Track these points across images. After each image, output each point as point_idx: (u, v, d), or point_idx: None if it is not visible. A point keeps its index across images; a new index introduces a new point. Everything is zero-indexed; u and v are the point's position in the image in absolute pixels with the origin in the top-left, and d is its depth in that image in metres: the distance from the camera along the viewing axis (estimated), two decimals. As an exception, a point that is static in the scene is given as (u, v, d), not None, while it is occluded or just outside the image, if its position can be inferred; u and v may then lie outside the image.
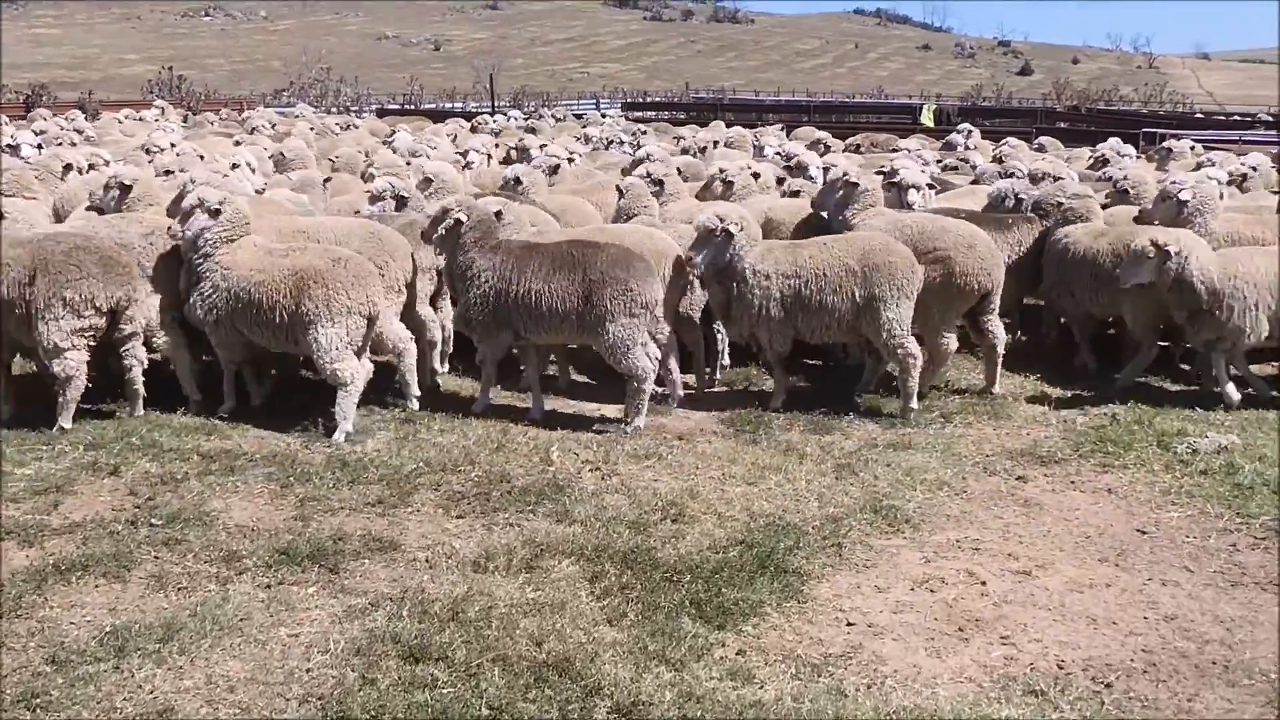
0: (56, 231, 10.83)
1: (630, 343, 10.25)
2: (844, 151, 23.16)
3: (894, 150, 22.19)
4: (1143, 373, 11.87)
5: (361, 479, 9.04)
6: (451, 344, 12.36)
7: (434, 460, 9.48)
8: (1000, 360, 11.75)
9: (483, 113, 38.70)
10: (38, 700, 5.88)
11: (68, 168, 14.62)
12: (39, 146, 17.80)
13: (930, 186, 13.50)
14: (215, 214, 10.21)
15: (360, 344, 10.25)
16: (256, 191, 13.36)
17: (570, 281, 10.25)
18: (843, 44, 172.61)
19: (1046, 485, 9.34)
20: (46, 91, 54.14)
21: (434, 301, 11.93)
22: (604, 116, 37.10)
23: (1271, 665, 6.50)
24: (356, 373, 10.08)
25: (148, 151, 17.74)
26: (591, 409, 11.11)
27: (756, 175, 14.72)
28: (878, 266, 10.65)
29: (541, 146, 20.08)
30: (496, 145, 22.16)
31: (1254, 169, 16.25)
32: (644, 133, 26.78)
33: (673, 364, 11.17)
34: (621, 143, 24.04)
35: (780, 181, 15.31)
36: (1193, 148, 20.15)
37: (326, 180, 15.42)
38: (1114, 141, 20.72)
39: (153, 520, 8.12)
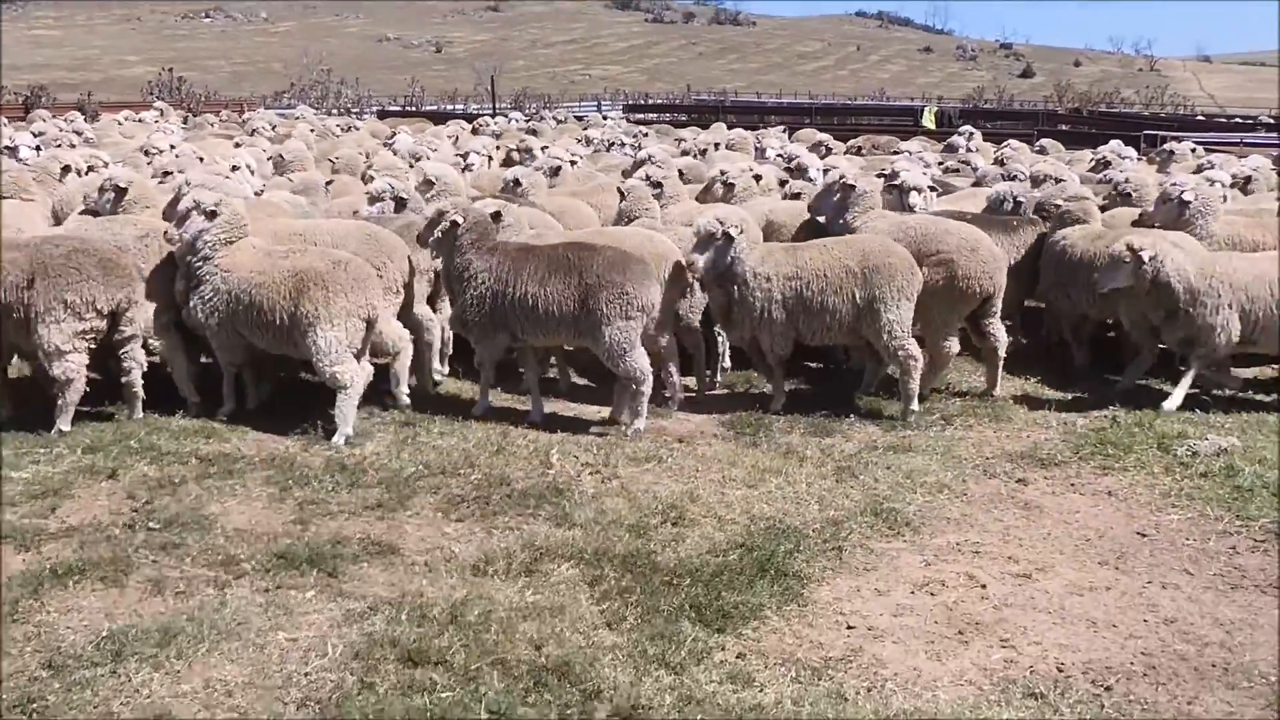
0: (54, 234, 10.79)
1: (627, 345, 10.23)
2: (845, 154, 23.17)
3: (895, 152, 22.15)
4: (1143, 375, 11.84)
5: (361, 482, 9.02)
6: (451, 345, 12.34)
7: (433, 463, 9.46)
8: (1001, 363, 11.74)
9: (484, 115, 38.65)
10: (34, 706, 5.85)
11: (66, 169, 14.58)
12: (37, 148, 17.76)
13: (932, 189, 13.48)
14: (212, 216, 10.20)
15: (359, 347, 10.23)
16: (255, 193, 13.34)
17: (566, 285, 10.24)
18: (844, 46, 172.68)
19: (1047, 488, 9.34)
20: (46, 93, 54.08)
21: (432, 302, 11.91)
22: (605, 119, 37.05)
23: (1271, 668, 6.49)
24: (356, 376, 10.06)
25: (146, 153, 17.72)
26: (592, 412, 11.09)
27: (758, 177, 14.70)
28: (878, 268, 10.65)
29: (543, 148, 20.09)
30: (498, 147, 22.15)
31: (1254, 171, 16.24)
32: (645, 135, 26.76)
33: (673, 367, 11.17)
34: (623, 145, 24.03)
35: (783, 184, 15.29)
36: (1194, 150, 20.12)
37: (328, 183, 15.42)
38: (1115, 144, 20.72)
39: (150, 524, 8.09)
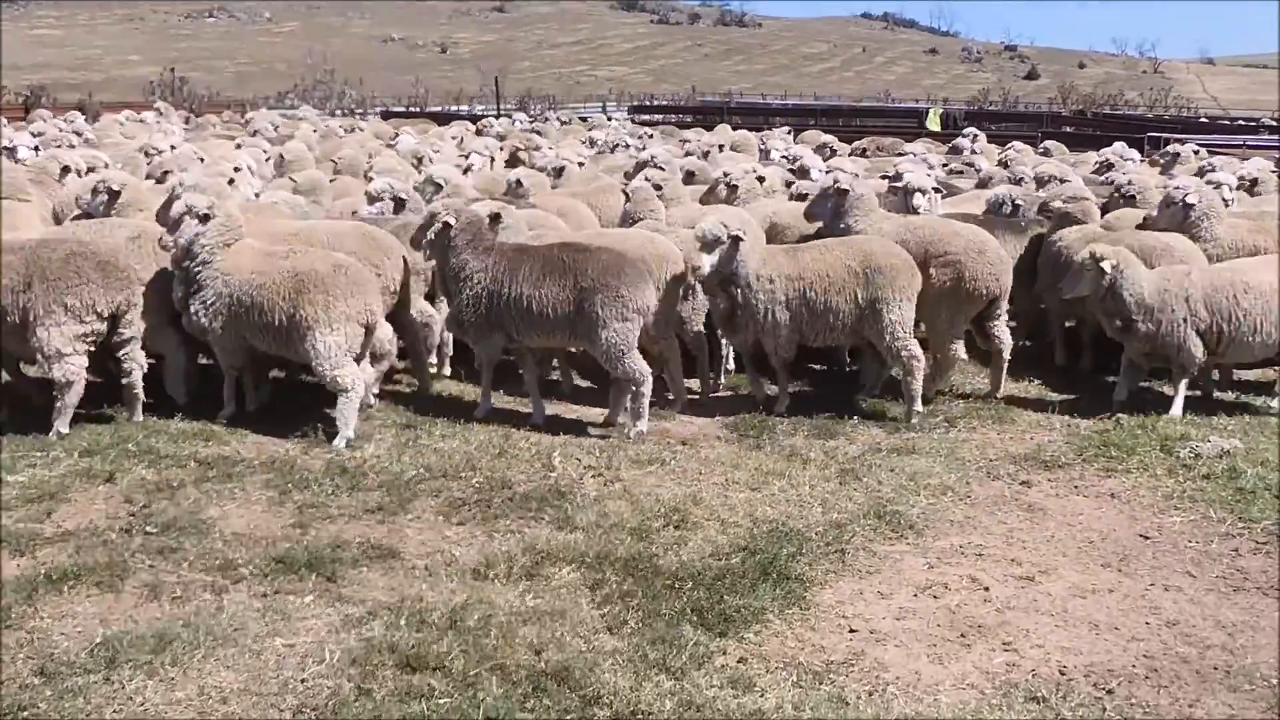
0: (50, 237, 10.73)
1: (625, 347, 10.19)
2: (850, 155, 23.16)
3: (900, 154, 22.13)
4: (1145, 377, 11.80)
5: (361, 486, 8.98)
6: (452, 346, 12.31)
7: (435, 466, 9.42)
8: (1005, 365, 11.71)
9: (488, 116, 38.63)
10: (25, 713, 5.81)
11: (65, 170, 14.56)
12: (36, 149, 17.72)
13: (936, 190, 13.46)
14: (205, 220, 10.14)
15: (358, 351, 10.20)
16: (255, 195, 13.32)
17: (561, 287, 10.22)
18: (850, 48, 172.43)
19: (1050, 490, 9.31)
20: (46, 93, 54.13)
21: (432, 301, 11.89)
22: (610, 120, 37.03)
23: (1273, 670, 6.48)
24: (357, 378, 10.03)
25: (146, 154, 17.71)
26: (594, 414, 11.04)
27: (761, 179, 14.67)
28: (880, 269, 10.63)
29: (550, 149, 20.08)
30: (501, 148, 22.13)
31: (1258, 173, 16.22)
32: (650, 136, 26.73)
33: (675, 369, 11.14)
34: (627, 146, 24.01)
35: (788, 185, 15.25)
36: (1196, 152, 20.10)
37: (330, 182, 15.40)
38: (1119, 146, 20.77)
39: (147, 528, 8.04)
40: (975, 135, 25.87)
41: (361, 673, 6.21)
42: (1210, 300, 10.75)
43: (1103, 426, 10.72)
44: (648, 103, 75.93)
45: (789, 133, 28.78)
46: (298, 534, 8.07)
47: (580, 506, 8.63)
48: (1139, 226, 12.75)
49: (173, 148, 18.13)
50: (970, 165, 20.16)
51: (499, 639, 6.58)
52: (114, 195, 11.66)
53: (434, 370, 12.18)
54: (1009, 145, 22.35)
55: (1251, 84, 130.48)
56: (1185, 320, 10.74)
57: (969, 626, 6.94)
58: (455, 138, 25.55)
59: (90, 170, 14.67)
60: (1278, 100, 77.24)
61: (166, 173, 14.42)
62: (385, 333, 10.80)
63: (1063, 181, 14.84)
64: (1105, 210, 13.67)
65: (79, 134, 22.80)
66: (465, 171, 17.02)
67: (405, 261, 11.25)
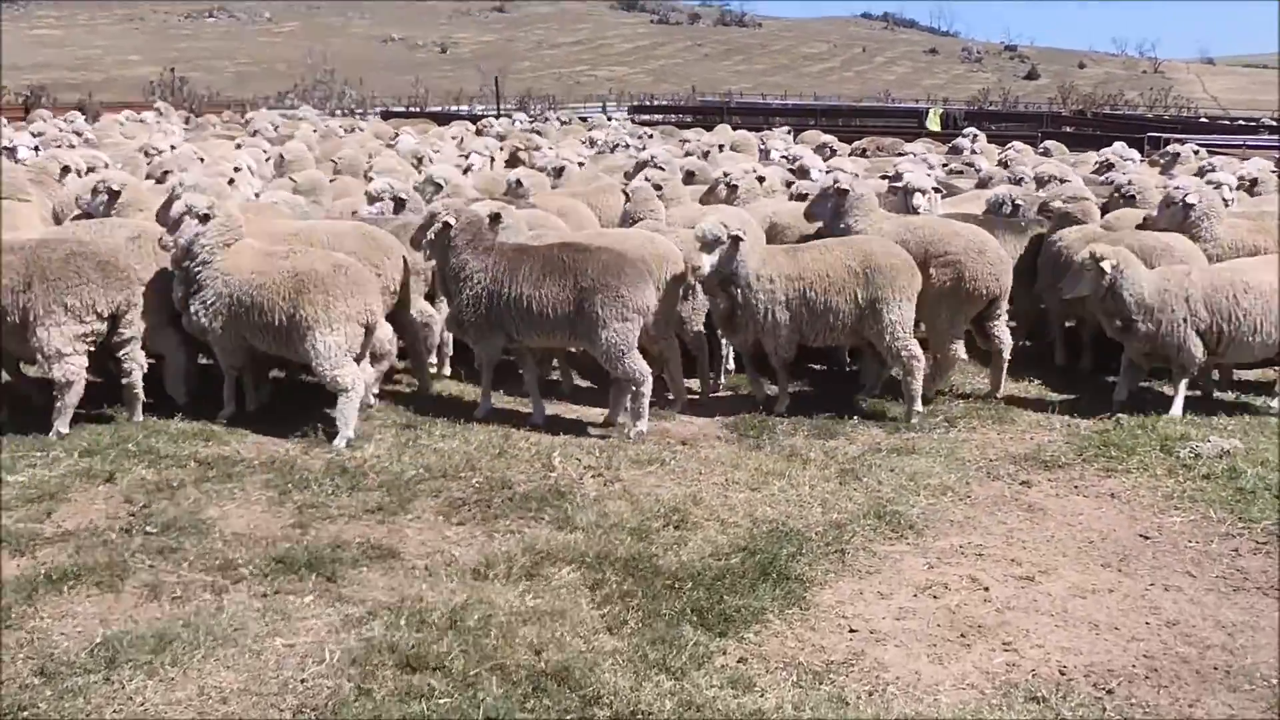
0: (50, 237, 10.73)
1: (625, 347, 10.19)
2: (850, 155, 23.16)
3: (900, 154, 22.14)
4: (1145, 377, 11.79)
5: (361, 486, 8.97)
6: (452, 346, 12.31)
7: (435, 466, 9.42)
8: (1005, 365, 11.70)
9: (488, 116, 38.62)
10: (25, 714, 5.80)
11: (65, 170, 14.56)
12: (36, 149, 17.71)
13: (936, 190, 13.47)
14: (205, 220, 10.13)
15: (357, 351, 10.19)
16: (255, 195, 13.32)
17: (561, 287, 10.22)
18: (850, 48, 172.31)
19: (1050, 490, 9.31)
20: (46, 93, 54.09)
21: (432, 301, 11.89)
22: (610, 120, 37.01)
23: (1273, 670, 6.48)
24: (357, 378, 10.02)
25: (146, 154, 17.71)
26: (595, 414, 11.04)
27: (761, 179, 14.67)
28: (880, 268, 10.63)
29: (550, 149, 20.09)
30: (501, 148, 22.12)
31: (1259, 173, 16.23)
32: (650, 136, 26.73)
33: (675, 369, 11.14)
34: (627, 146, 24.00)
35: (789, 185, 15.26)
36: (1196, 152, 20.11)
37: (330, 182, 15.39)
38: (1119, 146, 20.77)
39: (147, 528, 8.04)
40: (975, 135, 25.88)
41: (361, 673, 6.21)
42: (1210, 300, 10.75)
43: (1103, 426, 10.71)
44: (648, 103, 75.87)
45: (789, 133, 28.79)
46: (298, 534, 8.06)
47: (580, 506, 8.62)
48: (1139, 226, 12.74)
49: (173, 148, 18.13)
50: (970, 165, 20.17)
51: (499, 639, 6.57)
52: (114, 195, 11.66)
53: (434, 370, 12.17)
54: (1009, 145, 22.36)
55: (1251, 84, 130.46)
56: (1185, 320, 10.74)
57: (969, 626, 6.94)
58: (455, 138, 25.54)
59: (90, 170, 14.66)
60: (1278, 100, 77.23)
61: (166, 173, 14.42)
62: (385, 333, 10.79)
63: (1063, 181, 14.84)
64: (1105, 210, 13.67)
65: (79, 134, 22.79)
66: (465, 171, 17.01)
67: (405, 261, 11.25)
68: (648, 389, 10.34)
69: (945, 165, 20.13)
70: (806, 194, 13.98)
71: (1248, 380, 12.43)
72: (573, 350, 11.47)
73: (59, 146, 18.22)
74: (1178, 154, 19.72)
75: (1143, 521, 8.63)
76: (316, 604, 7.04)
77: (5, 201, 12.22)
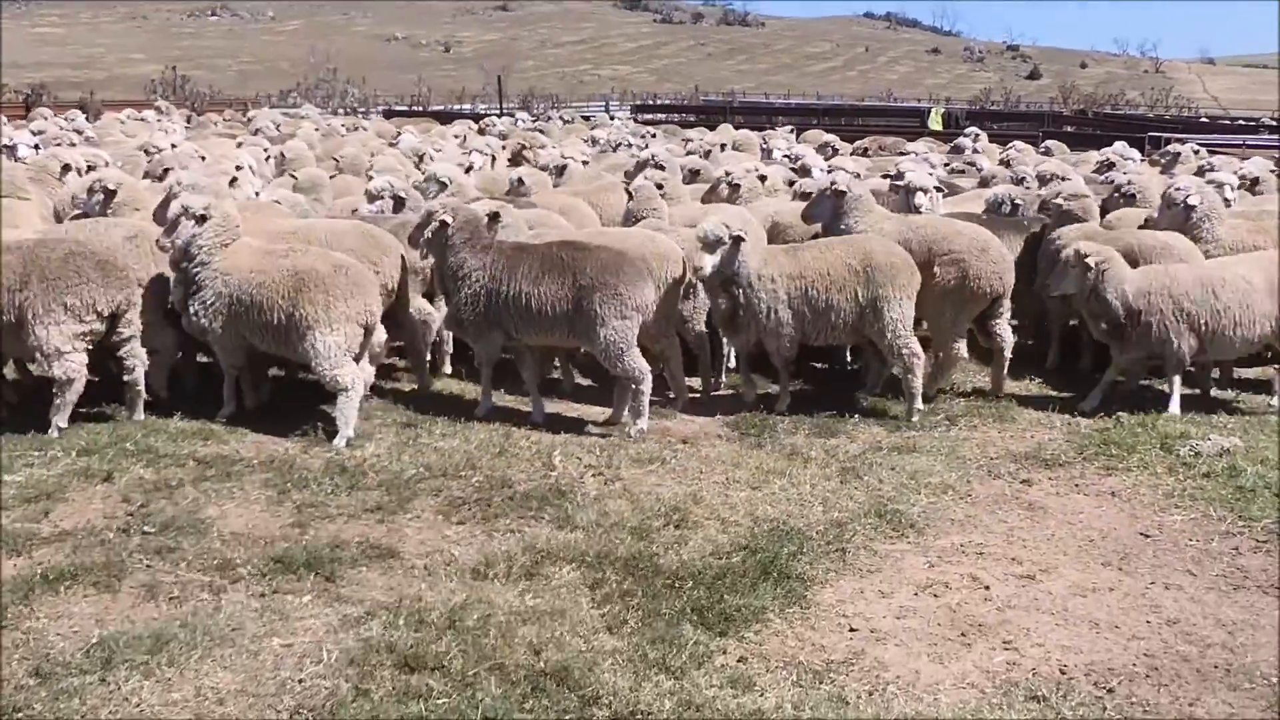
0: (49, 236, 10.70)
1: (624, 346, 10.18)
2: (852, 154, 23.17)
3: (902, 153, 22.14)
4: (1146, 376, 11.78)
5: (360, 485, 8.95)
6: (452, 344, 12.30)
7: (434, 465, 9.40)
8: (1006, 364, 11.69)
9: (491, 115, 38.63)
10: (19, 714, 5.78)
11: (65, 168, 14.55)
12: (36, 147, 17.71)
13: (938, 189, 13.46)
14: (201, 220, 10.11)
15: (358, 350, 10.17)
16: (255, 194, 13.31)
17: (560, 285, 10.21)
18: (852, 47, 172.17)
19: (1051, 488, 9.30)
20: (47, 91, 54.07)
21: (431, 300, 11.87)
22: (613, 119, 37.02)
23: (1273, 669, 6.47)
24: (356, 378, 10.01)
25: (147, 153, 17.70)
26: (595, 413, 11.03)
27: (763, 178, 14.67)
28: (880, 267, 10.63)
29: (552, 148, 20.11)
30: (504, 147, 22.12)
31: (1260, 172, 16.23)
32: (653, 135, 26.75)
33: (676, 368, 11.13)
34: (629, 145, 24.01)
35: (791, 184, 15.24)
36: (1196, 152, 20.11)
37: (330, 180, 15.39)
38: (1120, 145, 20.79)
39: (145, 528, 8.01)
40: (977, 135, 25.94)
41: (359, 673, 6.19)
42: (1191, 296, 10.75)
43: (1103, 425, 10.70)
44: (651, 102, 75.92)
45: (791, 132, 28.81)
46: (296, 533, 8.04)
47: (580, 506, 8.60)
48: (1140, 227, 12.73)
49: (173, 146, 18.12)
50: (972, 164, 20.19)
51: (498, 639, 6.55)
52: (110, 194, 11.67)
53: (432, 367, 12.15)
54: (1010, 145, 22.42)
55: (1251, 84, 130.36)
56: (1175, 318, 10.73)
57: (969, 625, 6.92)
58: (458, 137, 25.54)
59: (91, 169, 14.67)
60: (1278, 100, 77.20)
61: (167, 170, 14.42)
62: (379, 337, 10.78)
63: (1063, 180, 14.82)
64: (1105, 209, 13.66)
65: (79, 132, 22.83)
66: (467, 170, 17.01)
67: (404, 260, 11.23)
68: (647, 387, 10.32)
69: (947, 164, 20.15)
70: (808, 193, 13.99)
71: (1247, 379, 12.42)
72: (570, 348, 11.46)
73: (59, 145, 18.23)
74: (1178, 154, 19.73)
75: (1143, 520, 8.62)
76: (315, 604, 7.02)
77: (6, 200, 12.21)
